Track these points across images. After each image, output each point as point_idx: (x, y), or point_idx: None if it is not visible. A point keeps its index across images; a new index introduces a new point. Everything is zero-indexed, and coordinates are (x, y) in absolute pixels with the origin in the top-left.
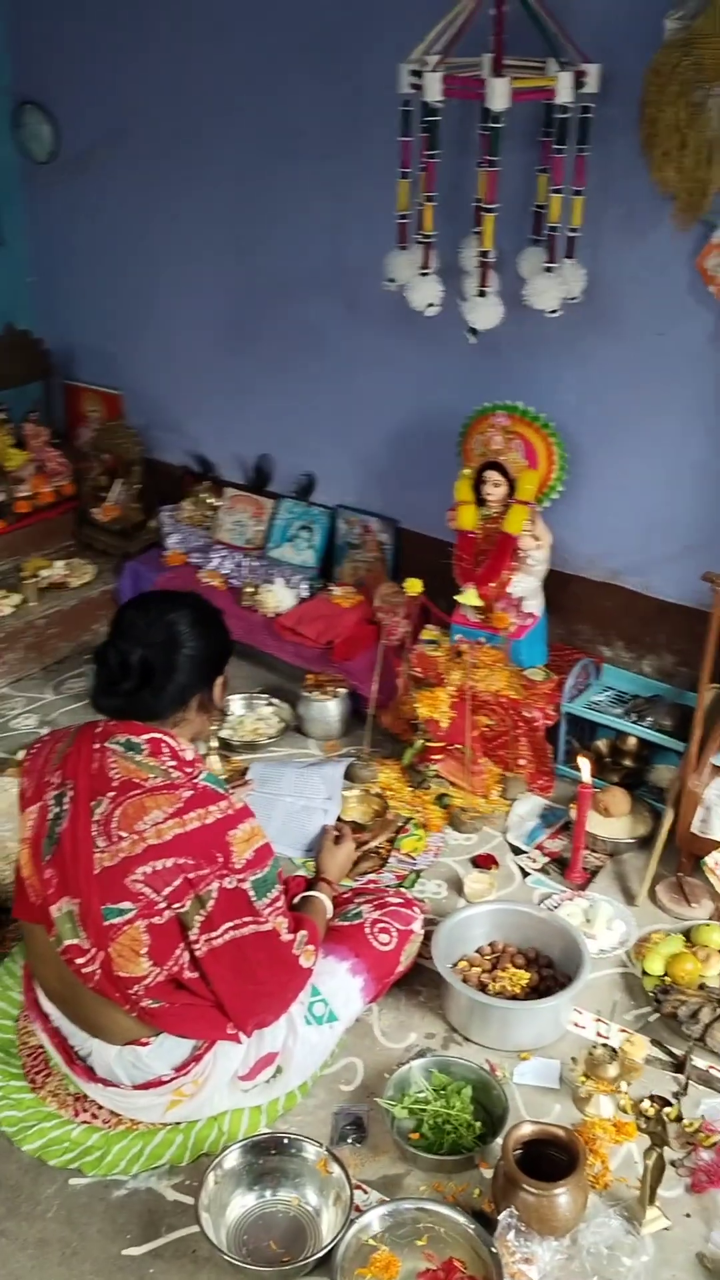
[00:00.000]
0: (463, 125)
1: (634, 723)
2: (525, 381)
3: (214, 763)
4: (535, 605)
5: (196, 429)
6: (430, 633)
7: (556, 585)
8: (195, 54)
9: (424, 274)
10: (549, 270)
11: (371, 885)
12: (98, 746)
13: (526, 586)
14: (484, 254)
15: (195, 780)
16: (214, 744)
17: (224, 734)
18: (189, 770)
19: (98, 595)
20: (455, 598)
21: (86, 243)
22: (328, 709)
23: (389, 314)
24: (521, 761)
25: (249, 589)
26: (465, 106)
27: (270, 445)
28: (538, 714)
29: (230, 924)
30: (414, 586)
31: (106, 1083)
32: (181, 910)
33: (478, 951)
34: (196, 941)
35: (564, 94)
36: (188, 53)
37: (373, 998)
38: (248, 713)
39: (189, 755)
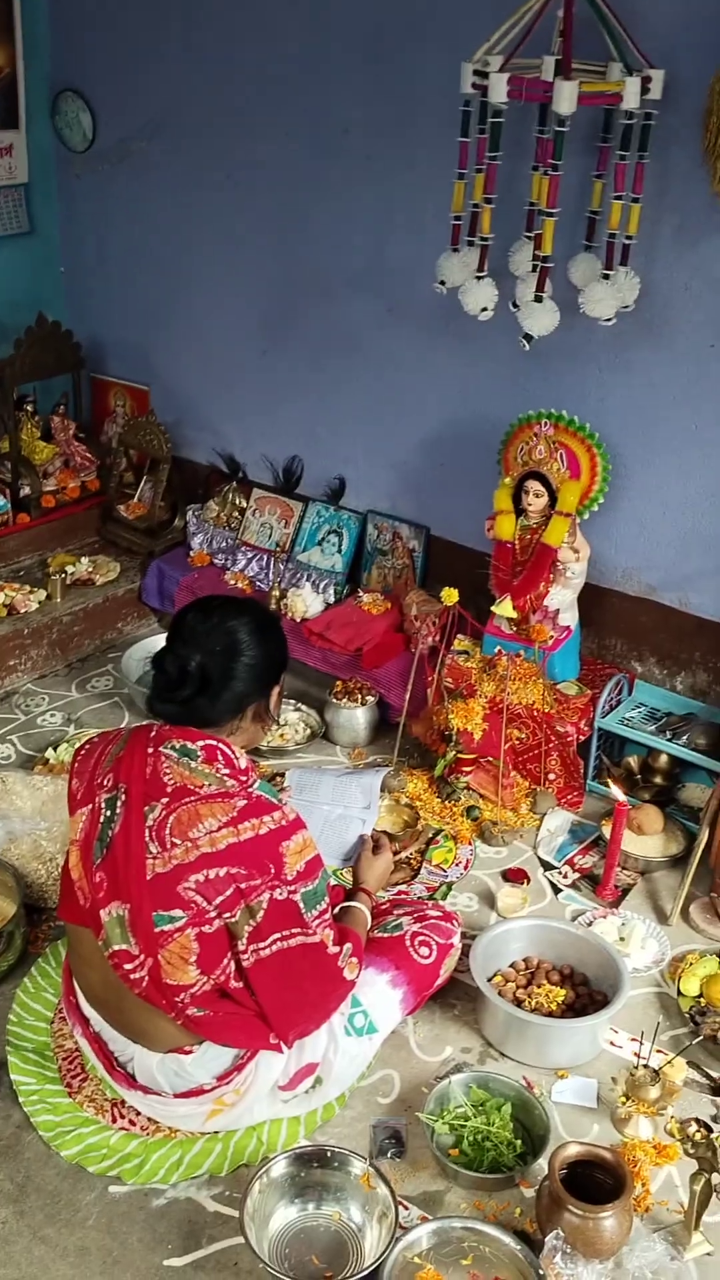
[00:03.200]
0: (516, 127)
1: (669, 740)
2: (568, 390)
3: None
4: (570, 618)
5: (226, 428)
6: (462, 643)
7: (590, 598)
8: (240, 45)
9: (480, 277)
10: (606, 278)
11: (402, 896)
12: (152, 751)
13: (562, 599)
14: (544, 259)
15: (250, 789)
16: None
17: None
18: (244, 779)
19: (122, 594)
20: (491, 608)
21: (120, 234)
22: (355, 716)
23: (430, 317)
24: (551, 776)
25: (276, 593)
26: (521, 108)
27: (301, 447)
28: (571, 729)
29: (278, 935)
30: (450, 596)
31: (147, 1090)
32: (231, 920)
33: (512, 966)
34: (244, 951)
35: (631, 100)
36: (233, 43)
37: (410, 1010)
38: None
39: (243, 763)
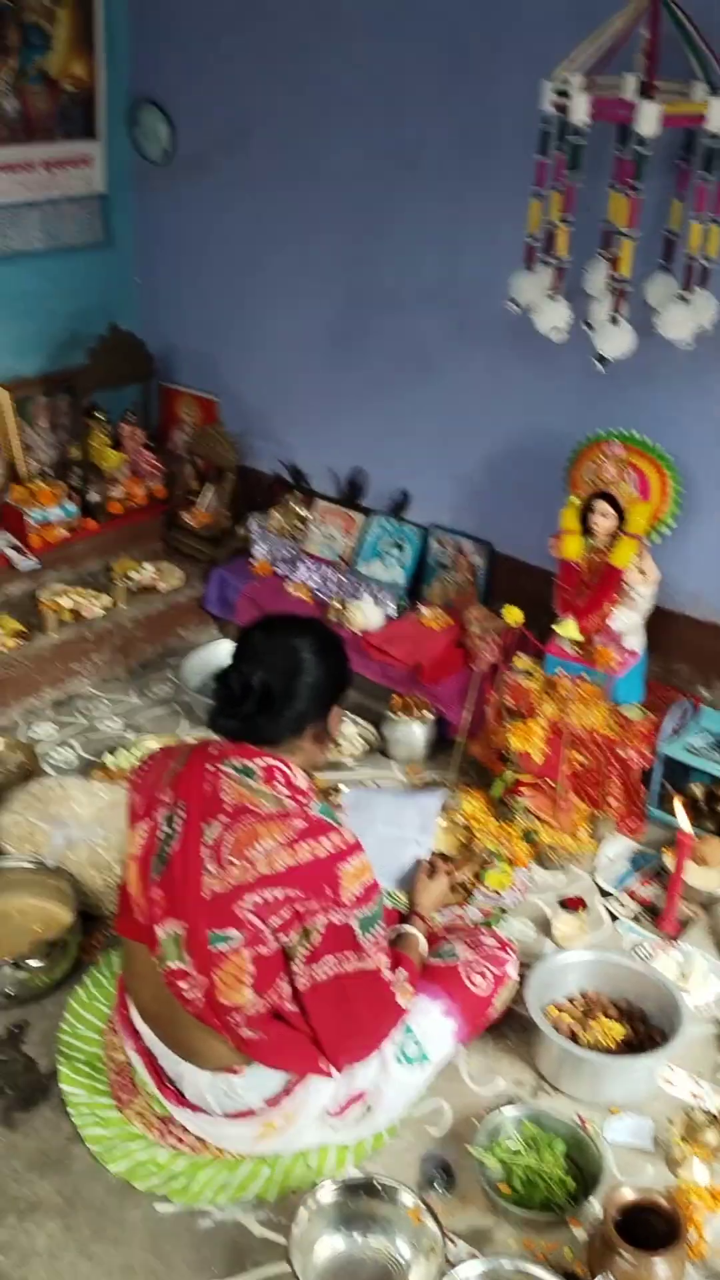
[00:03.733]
0: (592, 143)
1: None
2: (639, 411)
3: None
4: (636, 642)
5: (291, 438)
6: (522, 662)
7: (657, 622)
8: (317, 60)
9: (553, 297)
10: (683, 299)
11: (456, 919)
12: (211, 769)
13: (628, 622)
14: (621, 280)
15: (308, 810)
16: None
17: None
18: (302, 799)
19: (185, 601)
20: (554, 628)
21: (193, 245)
22: (413, 732)
23: (500, 333)
24: (611, 801)
25: (336, 604)
26: (599, 125)
27: (365, 459)
28: (634, 754)
29: (333, 958)
30: (514, 615)
31: (196, 1108)
32: (287, 942)
33: (568, 999)
34: (299, 974)
35: (715, 122)
36: (309, 58)
37: (464, 1040)
38: None
39: (302, 783)
